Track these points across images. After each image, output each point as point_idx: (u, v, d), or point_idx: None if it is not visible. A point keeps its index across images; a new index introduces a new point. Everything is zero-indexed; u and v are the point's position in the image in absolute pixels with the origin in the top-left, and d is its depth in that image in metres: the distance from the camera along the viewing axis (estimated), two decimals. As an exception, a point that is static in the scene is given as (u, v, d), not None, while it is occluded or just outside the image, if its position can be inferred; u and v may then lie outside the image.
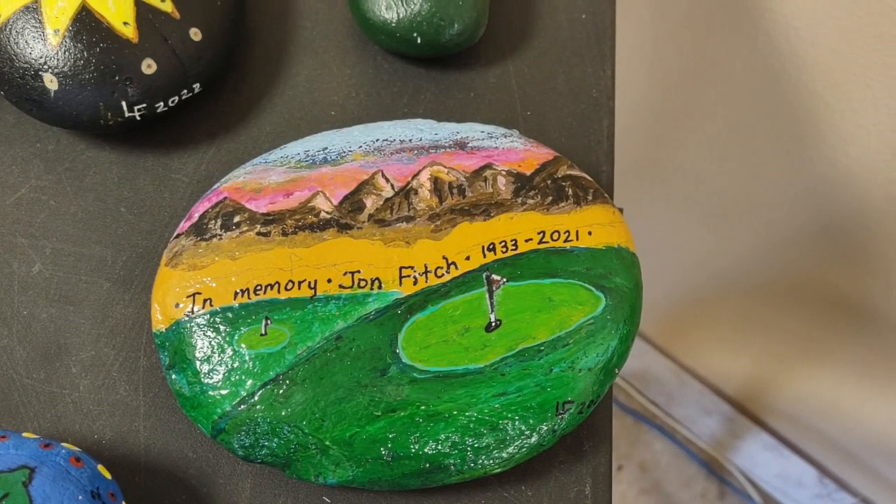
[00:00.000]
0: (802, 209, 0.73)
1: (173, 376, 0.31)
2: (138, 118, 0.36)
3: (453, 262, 0.32)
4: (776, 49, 0.62)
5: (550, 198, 0.33)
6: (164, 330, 0.31)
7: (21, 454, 0.28)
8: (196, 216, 0.33)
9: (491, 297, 0.31)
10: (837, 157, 0.66)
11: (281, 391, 0.30)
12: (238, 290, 0.31)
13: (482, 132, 0.35)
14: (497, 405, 0.30)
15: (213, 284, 0.31)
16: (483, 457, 0.30)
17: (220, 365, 0.30)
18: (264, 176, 0.34)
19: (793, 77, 0.63)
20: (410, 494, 0.32)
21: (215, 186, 0.34)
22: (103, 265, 0.35)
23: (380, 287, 0.31)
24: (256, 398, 0.30)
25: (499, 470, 0.30)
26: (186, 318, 0.31)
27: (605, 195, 0.34)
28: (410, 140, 0.35)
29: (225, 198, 0.33)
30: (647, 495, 1.15)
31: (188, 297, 0.31)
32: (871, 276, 0.75)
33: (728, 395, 1.10)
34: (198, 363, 0.30)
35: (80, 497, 0.27)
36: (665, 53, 0.71)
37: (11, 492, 0.27)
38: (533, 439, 0.30)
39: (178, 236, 0.33)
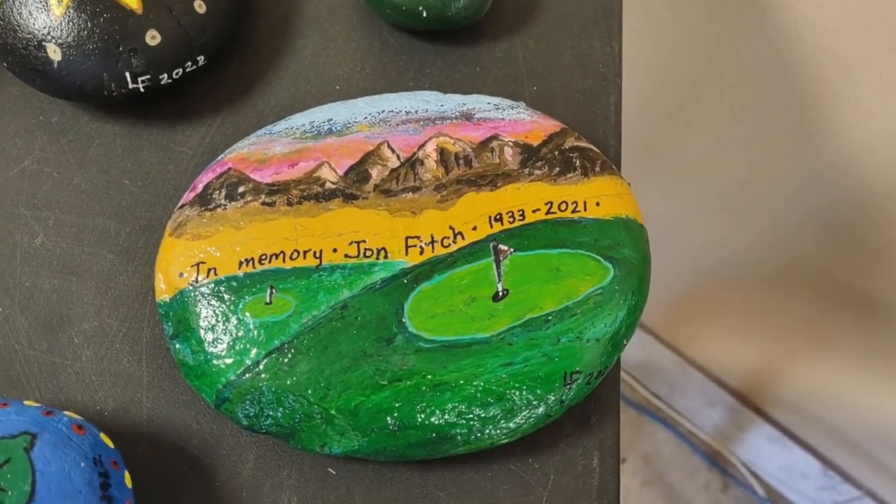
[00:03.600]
0: (806, 195, 0.73)
1: (177, 345, 0.31)
2: (142, 90, 0.35)
3: (460, 233, 0.31)
4: (782, 33, 0.62)
5: (558, 169, 0.33)
6: (167, 300, 0.31)
7: (22, 420, 0.28)
8: (200, 187, 0.33)
9: (498, 267, 0.31)
10: (842, 143, 0.66)
11: (286, 360, 0.29)
12: (243, 260, 0.31)
13: (488, 104, 0.35)
14: (504, 375, 0.30)
15: (218, 254, 0.31)
16: (490, 427, 0.30)
17: (225, 334, 0.30)
18: (269, 147, 0.33)
19: (798, 62, 0.63)
20: (415, 465, 0.32)
21: (220, 157, 0.34)
22: (107, 236, 0.35)
23: (386, 257, 0.31)
24: (261, 367, 0.30)
25: (506, 440, 0.30)
26: (191, 288, 0.31)
27: (613, 167, 0.34)
28: (416, 111, 0.34)
29: (229, 168, 0.33)
30: (651, 487, 1.15)
31: (192, 266, 0.31)
32: (876, 264, 0.75)
33: (732, 387, 1.09)
34: (202, 332, 0.30)
35: (83, 464, 0.27)
36: (670, 38, 0.71)
37: (13, 457, 0.26)
38: (540, 410, 0.30)
39: (182, 207, 0.32)
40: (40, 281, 0.34)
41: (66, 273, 0.34)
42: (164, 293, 0.31)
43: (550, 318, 0.30)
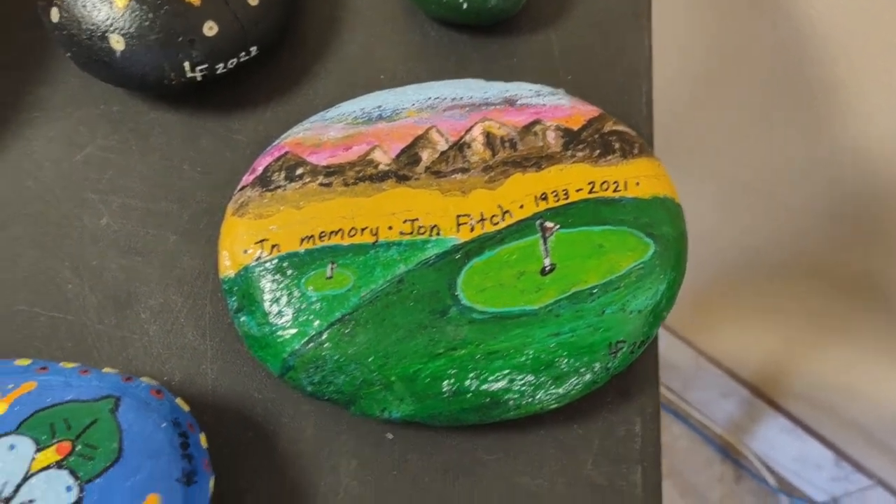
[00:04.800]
0: (819, 187, 0.75)
1: (242, 318, 0.32)
2: (199, 79, 0.37)
3: (508, 211, 0.33)
4: (795, 30, 0.64)
5: (598, 151, 0.35)
6: (232, 275, 0.33)
7: (104, 385, 0.30)
8: (260, 169, 0.34)
9: (545, 243, 0.32)
10: (857, 139, 0.67)
11: (347, 331, 0.31)
12: (304, 237, 0.33)
13: (530, 90, 0.37)
14: (552, 344, 0.31)
15: (280, 232, 0.33)
16: (540, 392, 0.31)
17: (289, 307, 0.32)
18: (323, 132, 0.35)
19: (813, 58, 0.65)
20: (466, 431, 0.33)
21: (276, 142, 0.35)
22: (169, 219, 0.37)
23: (438, 234, 0.33)
24: (324, 337, 0.31)
25: (555, 405, 0.32)
26: (255, 264, 0.32)
27: (650, 149, 0.35)
28: (461, 98, 0.36)
29: (286, 152, 0.35)
30: (665, 479, 1.16)
31: (256, 243, 0.33)
32: (889, 256, 0.76)
33: (745, 379, 1.11)
34: (267, 305, 0.32)
35: (163, 424, 0.29)
36: (689, 33, 0.72)
37: (99, 418, 0.28)
38: (587, 377, 0.32)
39: (242, 188, 0.34)
40: (108, 261, 0.36)
41: (133, 253, 0.36)
42: (228, 269, 0.33)
43: (595, 291, 0.32)
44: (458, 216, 0.33)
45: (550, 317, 0.32)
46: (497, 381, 0.31)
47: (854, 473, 1.06)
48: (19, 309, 0.35)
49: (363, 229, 0.33)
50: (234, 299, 0.33)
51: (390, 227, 0.33)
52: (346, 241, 0.33)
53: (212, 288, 0.36)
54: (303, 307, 0.32)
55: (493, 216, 0.33)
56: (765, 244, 0.87)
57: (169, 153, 0.38)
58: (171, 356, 0.34)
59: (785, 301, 0.92)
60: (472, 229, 0.33)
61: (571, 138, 0.35)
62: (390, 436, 0.33)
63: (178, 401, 0.30)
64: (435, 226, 0.33)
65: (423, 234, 0.33)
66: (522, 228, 0.33)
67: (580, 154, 0.34)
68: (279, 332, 0.32)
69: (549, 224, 0.33)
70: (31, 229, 0.36)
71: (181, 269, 0.36)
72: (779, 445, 1.12)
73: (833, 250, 0.81)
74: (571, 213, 0.33)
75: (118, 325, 0.35)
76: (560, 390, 0.32)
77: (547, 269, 0.32)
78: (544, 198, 0.33)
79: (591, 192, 0.34)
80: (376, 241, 0.33)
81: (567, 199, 0.33)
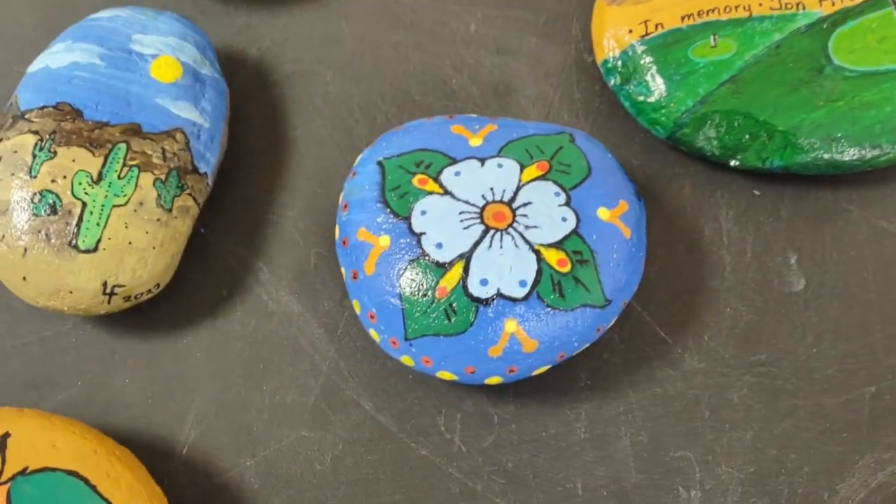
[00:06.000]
0: None
1: (632, 88, 0.37)
2: None
3: (862, -12, 0.37)
4: None
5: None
6: (616, 54, 0.38)
7: (552, 127, 0.34)
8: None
9: (901, 12, 0.37)
10: None
11: (735, 89, 0.36)
12: (684, 15, 0.37)
13: None
14: (915, 96, 0.36)
15: (661, 12, 0.37)
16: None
17: (678, 73, 0.37)
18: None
19: None
20: (826, 184, 0.38)
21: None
22: (527, 24, 0.41)
23: (804, 8, 0.37)
24: (714, 96, 0.36)
25: (920, 153, 0.36)
26: (641, 41, 0.37)
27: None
28: None
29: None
30: None
31: (640, 23, 0.37)
32: None
33: None
34: (658, 73, 0.37)
35: (609, 154, 0.34)
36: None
37: (563, 146, 0.33)
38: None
39: (612, -15, 0.39)
40: (482, 59, 0.41)
41: (502, 53, 0.41)
42: (613, 49, 0.38)
43: (949, 52, 0.36)
44: (819, -7, 0.38)
45: (914, 73, 0.36)
46: (872, 128, 0.36)
47: None
48: (415, 99, 0.40)
49: (737, 6, 0.37)
50: (616, 76, 0.38)
51: (760, 4, 0.37)
52: (724, 17, 0.37)
53: (577, 76, 0.40)
54: (693, 72, 0.37)
55: (849, -8, 0.37)
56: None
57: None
58: (554, 133, 0.39)
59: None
60: (833, 3, 0.37)
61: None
62: (757, 192, 0.38)
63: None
64: (800, 1, 0.37)
65: (790, 8, 0.37)
66: (877, 2, 0.37)
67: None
68: (675, 93, 0.36)
69: (902, -4, 0.37)
70: (410, 34, 0.41)
71: (547, 64, 0.41)
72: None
73: None
74: (921, -12, 0.37)
75: (501, 110, 0.40)
76: (927, 138, 0.36)
77: (906, 33, 0.37)
78: (894, -24, 0.38)
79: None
80: (751, 16, 0.37)
81: (915, -24, 0.38)
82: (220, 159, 0.36)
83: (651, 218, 0.37)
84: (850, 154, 0.36)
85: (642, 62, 0.37)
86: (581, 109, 0.40)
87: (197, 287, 0.36)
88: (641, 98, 0.37)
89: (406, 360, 0.31)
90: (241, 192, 0.38)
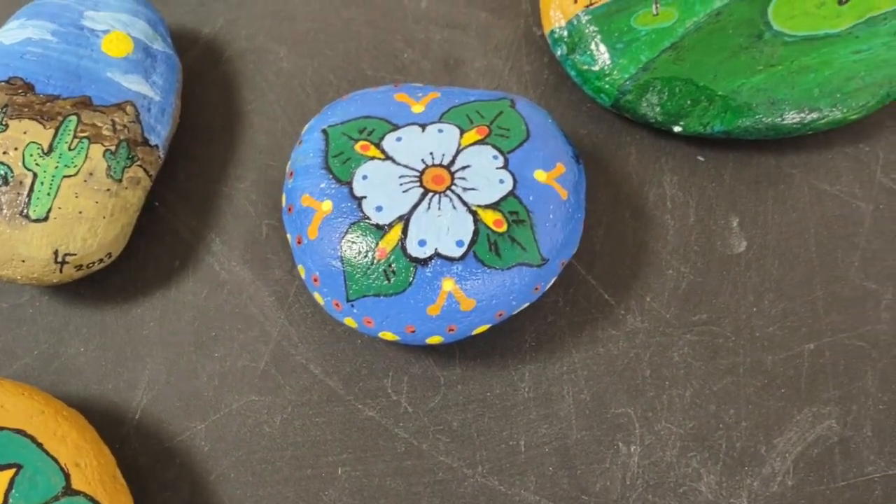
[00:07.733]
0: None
1: (577, 58, 0.38)
2: None
3: (801, -45, 0.38)
4: None
5: None
6: (563, 24, 0.38)
7: (492, 94, 0.35)
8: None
9: (839, -22, 0.37)
10: None
11: (676, 55, 0.37)
12: (627, -15, 0.38)
13: None
14: (853, 60, 0.36)
15: (604, -17, 0.38)
16: (849, 100, 0.36)
17: (621, 41, 0.37)
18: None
19: None
20: (771, 149, 0.38)
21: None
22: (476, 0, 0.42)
23: (744, -25, 0.38)
24: (656, 63, 0.37)
25: (855, 116, 0.37)
26: (585, 11, 0.38)
27: None
28: None
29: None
30: None
31: (584, -6, 0.38)
32: None
33: None
34: (602, 42, 0.37)
35: (550, 120, 0.34)
36: None
37: (503, 111, 0.34)
38: (883, 90, 0.37)
39: (556, -42, 0.40)
40: (432, 34, 0.41)
41: (451, 27, 0.41)
42: (559, 20, 0.38)
43: (887, 17, 0.37)
44: (758, -39, 0.38)
45: (850, 38, 0.37)
46: (809, 90, 0.36)
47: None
48: (367, 73, 0.40)
49: (678, -24, 0.38)
50: (564, 45, 0.38)
51: (702, -27, 0.38)
52: (665, -14, 0.38)
53: (527, 49, 0.41)
54: (635, 40, 0.37)
55: (789, -42, 0.38)
56: None
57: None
58: (503, 104, 0.40)
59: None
60: (773, -30, 0.38)
61: None
62: (701, 158, 0.39)
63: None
64: (740, -31, 0.38)
65: (730, -25, 0.38)
66: (817, -34, 0.38)
67: None
68: (617, 60, 0.37)
69: (840, -38, 0.38)
70: (362, 10, 0.42)
71: (496, 38, 0.41)
72: None
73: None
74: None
75: (451, 82, 0.40)
76: (860, 102, 0.36)
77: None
78: (832, -57, 0.38)
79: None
80: (692, -17, 0.38)
81: (851, -57, 0.38)
82: (172, 132, 0.37)
83: (597, 184, 0.38)
84: (790, 117, 0.37)
85: (587, 31, 0.38)
86: (530, 81, 0.40)
87: (150, 258, 0.37)
88: (586, 67, 0.38)
89: (349, 321, 0.32)
90: (195, 166, 0.39)
